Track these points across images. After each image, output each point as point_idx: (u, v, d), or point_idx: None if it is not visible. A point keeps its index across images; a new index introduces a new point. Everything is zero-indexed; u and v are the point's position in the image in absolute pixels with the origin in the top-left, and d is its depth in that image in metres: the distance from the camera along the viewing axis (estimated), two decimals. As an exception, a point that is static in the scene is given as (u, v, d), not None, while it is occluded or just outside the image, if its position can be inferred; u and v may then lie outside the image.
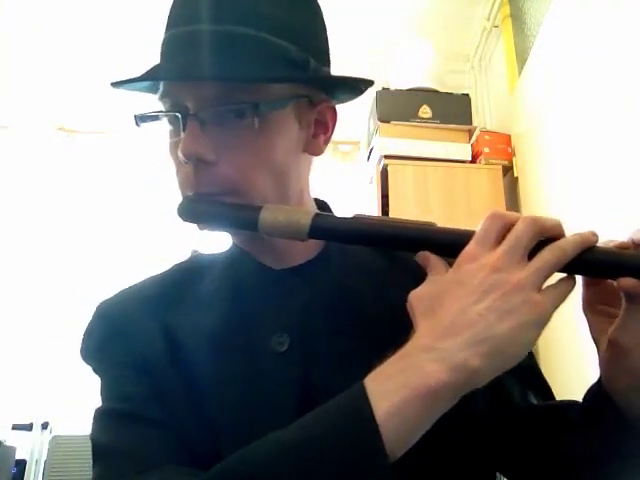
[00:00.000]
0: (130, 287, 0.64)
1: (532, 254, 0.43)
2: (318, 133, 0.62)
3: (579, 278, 0.46)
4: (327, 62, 0.61)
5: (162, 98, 0.58)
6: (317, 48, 0.60)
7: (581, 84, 1.77)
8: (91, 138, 2.97)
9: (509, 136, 2.37)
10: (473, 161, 2.34)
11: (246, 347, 0.55)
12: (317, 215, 0.52)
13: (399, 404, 0.38)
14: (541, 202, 2.07)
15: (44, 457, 2.25)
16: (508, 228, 0.44)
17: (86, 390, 2.35)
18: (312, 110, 0.60)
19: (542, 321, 0.41)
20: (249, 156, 0.55)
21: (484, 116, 2.69)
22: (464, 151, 2.33)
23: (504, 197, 2.26)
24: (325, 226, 0.52)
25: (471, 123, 2.38)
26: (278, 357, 0.54)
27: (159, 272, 0.65)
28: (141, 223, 2.84)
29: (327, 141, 0.63)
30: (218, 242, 0.68)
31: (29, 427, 2.31)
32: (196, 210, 0.56)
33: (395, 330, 0.54)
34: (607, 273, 0.45)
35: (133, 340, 0.57)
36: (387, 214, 2.08)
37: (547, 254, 0.42)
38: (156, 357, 0.55)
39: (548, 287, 0.43)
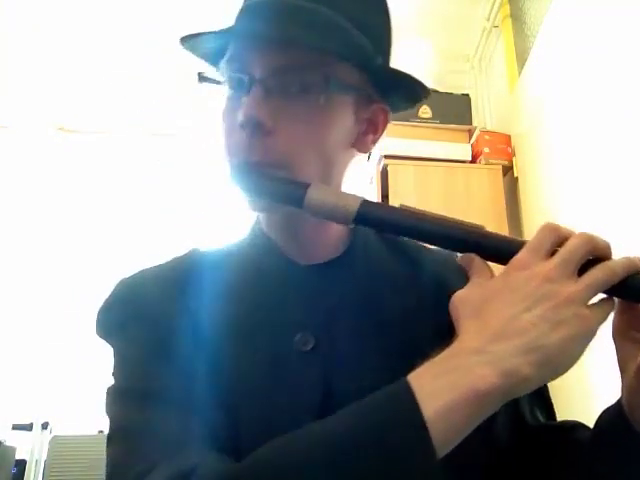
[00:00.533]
0: (149, 269, 0.62)
1: (580, 271, 0.43)
2: (368, 132, 0.63)
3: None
4: (389, 61, 0.63)
5: (229, 61, 0.57)
6: (384, 51, 0.62)
7: (581, 84, 1.77)
8: (91, 138, 2.97)
9: (509, 136, 2.37)
10: (473, 161, 2.34)
11: (269, 342, 0.55)
12: (365, 201, 0.52)
13: (448, 405, 0.37)
14: (541, 202, 2.07)
15: (44, 457, 2.25)
16: (561, 241, 0.44)
17: (86, 390, 2.35)
18: (368, 108, 0.61)
19: (590, 336, 0.41)
20: (306, 133, 0.55)
21: (484, 116, 2.69)
22: (464, 151, 2.33)
23: (504, 197, 2.26)
24: (373, 213, 0.51)
25: (471, 123, 2.38)
26: (302, 356, 0.54)
27: (170, 259, 0.64)
28: (141, 223, 2.84)
29: (375, 142, 0.64)
30: (217, 240, 0.68)
31: (29, 427, 2.30)
32: (243, 178, 0.55)
33: (415, 334, 0.54)
34: None
35: (156, 321, 0.55)
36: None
37: (598, 272, 0.43)
38: (180, 340, 0.53)
39: (593, 305, 0.43)
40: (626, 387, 0.49)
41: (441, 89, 2.40)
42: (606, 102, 1.61)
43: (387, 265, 0.64)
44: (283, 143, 0.54)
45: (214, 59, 0.60)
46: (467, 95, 2.47)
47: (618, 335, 0.50)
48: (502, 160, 2.31)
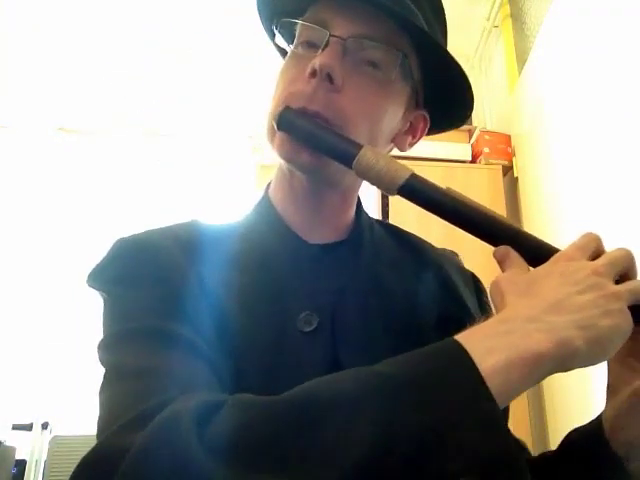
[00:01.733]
0: (151, 230, 0.60)
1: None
2: (408, 133, 0.65)
3: None
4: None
5: (307, 19, 0.59)
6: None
7: (581, 84, 1.77)
8: (91, 138, 2.97)
9: (509, 136, 2.37)
10: (473, 161, 2.34)
11: (274, 317, 0.54)
12: (415, 175, 0.52)
13: (505, 363, 0.37)
14: (541, 202, 2.07)
15: (44, 457, 2.25)
16: (599, 252, 0.46)
17: (86, 390, 2.35)
18: (415, 110, 0.64)
19: (628, 333, 0.41)
20: (367, 102, 0.57)
21: (484, 116, 2.69)
22: (464, 151, 2.33)
23: (504, 197, 2.26)
24: (419, 187, 0.52)
25: (471, 123, 2.38)
26: (304, 335, 0.53)
27: (170, 224, 0.62)
28: (141, 223, 2.83)
29: (411, 145, 0.67)
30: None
31: (29, 427, 2.30)
32: (299, 123, 0.55)
33: (420, 319, 0.54)
34: None
35: (167, 271, 0.52)
36: (387, 214, 2.08)
37: (639, 284, 0.44)
38: (190, 294, 0.51)
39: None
40: (614, 409, 0.50)
41: (441, 89, 2.40)
42: (606, 102, 1.61)
43: (392, 250, 0.65)
44: (345, 104, 0.56)
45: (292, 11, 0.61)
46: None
47: (615, 359, 0.50)
48: (502, 160, 2.31)
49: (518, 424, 1.85)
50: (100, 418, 0.44)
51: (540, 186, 2.08)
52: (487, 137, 2.34)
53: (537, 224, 2.10)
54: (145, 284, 0.52)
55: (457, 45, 3.14)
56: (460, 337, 0.39)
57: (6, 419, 2.32)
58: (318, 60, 0.54)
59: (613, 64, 1.58)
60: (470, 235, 0.51)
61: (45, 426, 2.32)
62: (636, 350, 0.49)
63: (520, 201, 2.27)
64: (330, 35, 0.56)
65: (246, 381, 0.49)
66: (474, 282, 0.69)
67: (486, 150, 2.30)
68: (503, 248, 0.49)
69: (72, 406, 2.44)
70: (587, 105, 1.73)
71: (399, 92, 0.60)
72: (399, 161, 0.54)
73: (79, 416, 2.38)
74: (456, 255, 0.74)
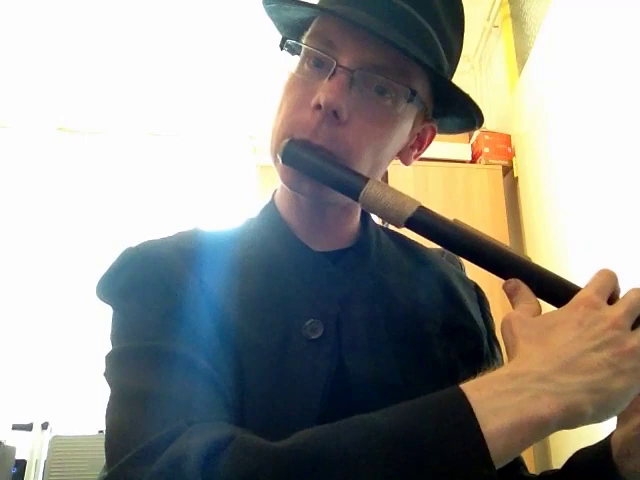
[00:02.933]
0: (155, 239, 0.60)
1: None
2: (414, 146, 0.64)
3: None
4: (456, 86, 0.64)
5: (314, 37, 0.57)
6: (453, 73, 0.63)
7: (581, 84, 1.77)
8: (91, 138, 2.97)
9: (509, 136, 2.37)
10: (473, 161, 2.34)
11: (279, 325, 0.54)
12: (422, 207, 0.52)
13: (510, 426, 0.36)
14: (541, 202, 2.07)
15: (44, 457, 2.24)
16: (616, 292, 0.45)
17: (86, 390, 2.35)
18: (421, 124, 0.63)
19: (638, 391, 0.41)
20: (372, 133, 0.56)
21: (484, 116, 2.69)
22: (464, 151, 2.33)
23: (504, 197, 2.26)
24: (427, 220, 0.52)
25: (471, 123, 2.38)
26: (310, 343, 0.53)
27: (174, 233, 0.62)
28: (141, 223, 2.83)
29: (417, 157, 0.66)
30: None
31: (29, 427, 2.30)
32: (303, 157, 0.55)
33: (424, 327, 0.54)
34: None
35: (171, 284, 0.53)
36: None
37: None
38: (194, 308, 0.52)
39: None
40: (623, 437, 0.50)
41: (441, 89, 2.40)
42: (606, 102, 1.61)
43: (397, 258, 0.65)
44: (350, 137, 0.55)
45: (291, 29, 0.60)
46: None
47: None
48: (502, 160, 2.31)
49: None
50: (108, 442, 0.45)
51: (540, 186, 2.08)
52: (487, 137, 2.34)
53: (537, 224, 2.10)
54: (149, 298, 0.53)
55: (457, 45, 3.14)
56: (468, 388, 0.38)
57: (6, 419, 2.31)
58: (323, 96, 0.53)
59: (613, 64, 1.58)
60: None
61: (45, 426, 2.32)
62: None
63: (520, 201, 2.28)
64: (338, 63, 0.54)
65: (250, 388, 0.49)
66: (477, 292, 0.69)
67: (486, 150, 2.30)
68: (513, 281, 0.48)
69: (72, 406, 2.44)
70: (587, 105, 1.73)
71: (408, 116, 0.58)
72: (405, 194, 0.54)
73: (79, 416, 2.38)
74: (458, 261, 0.74)
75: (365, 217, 0.67)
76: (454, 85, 0.59)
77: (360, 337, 0.55)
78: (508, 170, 2.33)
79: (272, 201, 0.66)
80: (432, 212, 0.53)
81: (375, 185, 0.52)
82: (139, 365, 0.48)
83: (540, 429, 0.37)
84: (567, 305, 0.44)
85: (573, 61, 1.83)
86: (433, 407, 0.38)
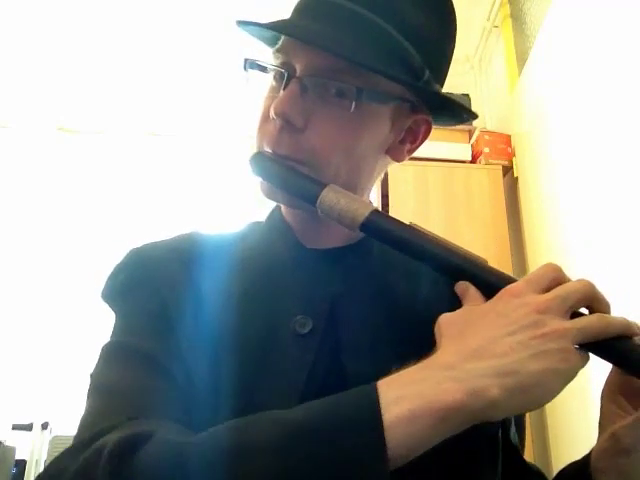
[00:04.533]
0: (157, 241, 0.63)
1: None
2: (406, 140, 0.63)
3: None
4: (441, 79, 0.62)
5: (277, 52, 0.59)
6: (437, 62, 0.61)
7: (581, 84, 1.77)
8: (91, 138, 2.97)
9: (509, 136, 2.37)
10: (473, 161, 2.34)
11: (267, 320, 0.55)
12: (375, 211, 0.52)
13: (409, 412, 0.36)
14: (541, 202, 2.07)
15: (44, 457, 2.25)
16: (560, 283, 0.43)
17: (86, 390, 2.35)
18: (410, 117, 0.62)
19: (570, 375, 0.39)
20: (334, 135, 0.56)
21: (484, 116, 2.69)
22: (464, 151, 2.33)
23: (504, 197, 2.26)
24: (379, 224, 0.52)
25: (471, 123, 2.38)
26: (297, 338, 0.53)
27: (175, 235, 0.64)
28: (141, 223, 2.83)
29: (411, 152, 0.65)
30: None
31: (29, 427, 2.30)
32: (266, 167, 0.56)
33: (426, 326, 0.55)
34: (633, 371, 0.43)
35: (161, 286, 0.55)
36: (387, 213, 2.09)
37: (594, 319, 0.41)
38: (181, 307, 0.54)
39: (576, 349, 0.41)
40: (597, 449, 0.50)
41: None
42: (606, 102, 1.61)
43: (401, 258, 0.65)
44: (311, 142, 0.55)
45: (269, 43, 0.62)
46: (467, 95, 2.47)
47: (606, 396, 0.50)
48: (502, 160, 2.31)
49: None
50: (78, 425, 0.48)
51: (540, 186, 2.08)
52: (487, 137, 2.34)
53: (537, 224, 2.10)
54: (138, 299, 0.56)
55: (457, 45, 3.14)
56: (380, 382, 0.39)
57: (6, 419, 2.32)
58: (273, 106, 0.54)
59: (613, 64, 1.58)
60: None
61: (45, 426, 2.32)
62: (625, 387, 0.48)
63: (520, 201, 2.27)
64: (290, 73, 0.56)
65: (228, 381, 0.50)
66: None
67: (486, 150, 2.30)
68: (462, 284, 0.48)
69: (72, 406, 2.44)
70: (587, 105, 1.73)
71: (371, 115, 0.57)
72: (360, 199, 0.54)
73: (79, 416, 2.38)
74: None
75: None
76: (413, 83, 0.58)
77: (360, 337, 0.55)
78: (508, 170, 2.33)
79: (277, 205, 0.66)
80: (386, 216, 0.53)
81: (331, 192, 0.53)
82: (113, 359, 0.52)
83: (442, 415, 0.36)
84: (493, 298, 0.44)
85: (573, 61, 1.83)
86: (344, 399, 0.39)
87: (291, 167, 0.55)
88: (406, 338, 0.56)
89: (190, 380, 0.50)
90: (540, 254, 2.03)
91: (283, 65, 0.57)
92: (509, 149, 2.34)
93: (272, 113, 0.55)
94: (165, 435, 0.40)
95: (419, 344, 0.46)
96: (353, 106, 0.54)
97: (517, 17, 2.43)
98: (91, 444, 0.40)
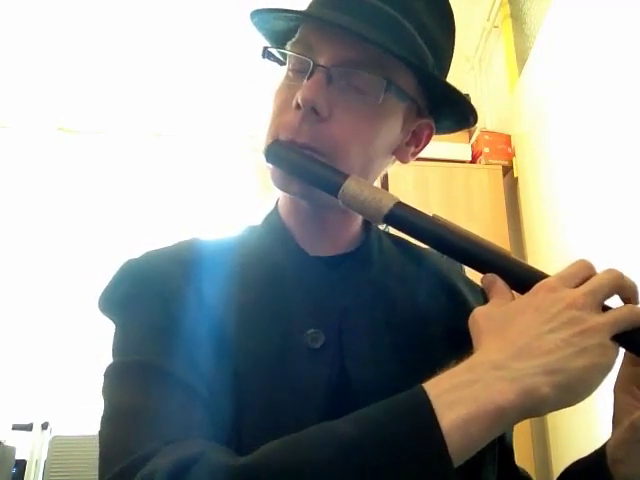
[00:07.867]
0: (155, 250, 0.61)
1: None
2: (411, 143, 0.64)
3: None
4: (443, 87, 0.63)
5: (296, 43, 0.59)
6: (443, 66, 0.63)
7: (581, 84, 1.77)
8: (91, 138, 2.97)
9: (509, 136, 2.37)
10: (473, 161, 2.34)
11: (279, 335, 0.54)
12: (400, 203, 0.52)
13: (465, 417, 0.36)
14: (541, 202, 2.07)
15: (44, 457, 2.25)
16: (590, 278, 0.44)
17: (86, 390, 2.35)
18: (415, 121, 0.62)
19: (610, 368, 0.40)
20: (356, 127, 0.56)
21: (484, 116, 2.69)
22: (464, 151, 2.33)
23: (504, 197, 2.26)
24: (404, 216, 0.52)
25: (471, 123, 2.38)
26: (311, 353, 0.53)
27: (174, 243, 0.63)
28: (141, 223, 2.83)
29: (414, 155, 0.66)
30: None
31: (29, 427, 2.30)
32: (285, 155, 0.56)
33: (427, 333, 0.54)
34: None
35: (166, 298, 0.53)
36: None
37: (626, 310, 0.42)
38: (190, 321, 0.52)
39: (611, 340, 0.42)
40: (615, 439, 0.50)
41: (441, 89, 2.39)
42: (606, 102, 1.61)
43: (400, 263, 0.65)
44: (333, 132, 0.55)
45: (277, 39, 0.61)
46: (467, 95, 2.47)
47: (620, 388, 0.50)
48: (502, 160, 2.31)
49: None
50: (100, 456, 0.46)
51: (540, 186, 2.08)
52: (487, 137, 2.34)
53: (537, 224, 2.10)
54: (144, 312, 0.54)
55: (457, 45, 3.14)
56: (428, 385, 0.39)
57: (6, 419, 2.32)
58: (301, 94, 0.54)
59: (613, 64, 1.58)
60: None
61: (45, 426, 2.32)
62: (639, 379, 0.48)
63: (520, 201, 2.27)
64: (314, 64, 0.55)
65: (248, 399, 0.50)
66: (484, 297, 0.69)
67: (486, 150, 2.30)
68: (490, 276, 0.48)
69: (72, 406, 2.44)
70: (587, 105, 1.73)
71: (391, 110, 0.58)
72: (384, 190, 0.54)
73: (79, 416, 2.38)
74: (460, 266, 0.74)
75: (367, 222, 0.66)
76: (437, 78, 0.59)
77: (362, 345, 0.55)
78: (508, 170, 2.33)
79: (275, 208, 0.66)
80: (410, 208, 0.53)
81: (354, 182, 0.52)
82: (130, 381, 0.50)
83: (498, 417, 0.36)
84: (528, 293, 0.44)
85: (573, 61, 1.83)
86: (394, 409, 0.38)
87: (310, 155, 0.55)
88: (406, 343, 0.56)
89: (211, 391, 0.49)
90: (540, 254, 2.03)
91: (306, 54, 0.57)
92: (509, 149, 2.34)
93: (299, 100, 0.54)
94: (214, 457, 0.39)
95: (419, 348, 0.46)
96: (381, 98, 0.55)
97: (517, 17, 2.43)
98: (135, 472, 0.39)
